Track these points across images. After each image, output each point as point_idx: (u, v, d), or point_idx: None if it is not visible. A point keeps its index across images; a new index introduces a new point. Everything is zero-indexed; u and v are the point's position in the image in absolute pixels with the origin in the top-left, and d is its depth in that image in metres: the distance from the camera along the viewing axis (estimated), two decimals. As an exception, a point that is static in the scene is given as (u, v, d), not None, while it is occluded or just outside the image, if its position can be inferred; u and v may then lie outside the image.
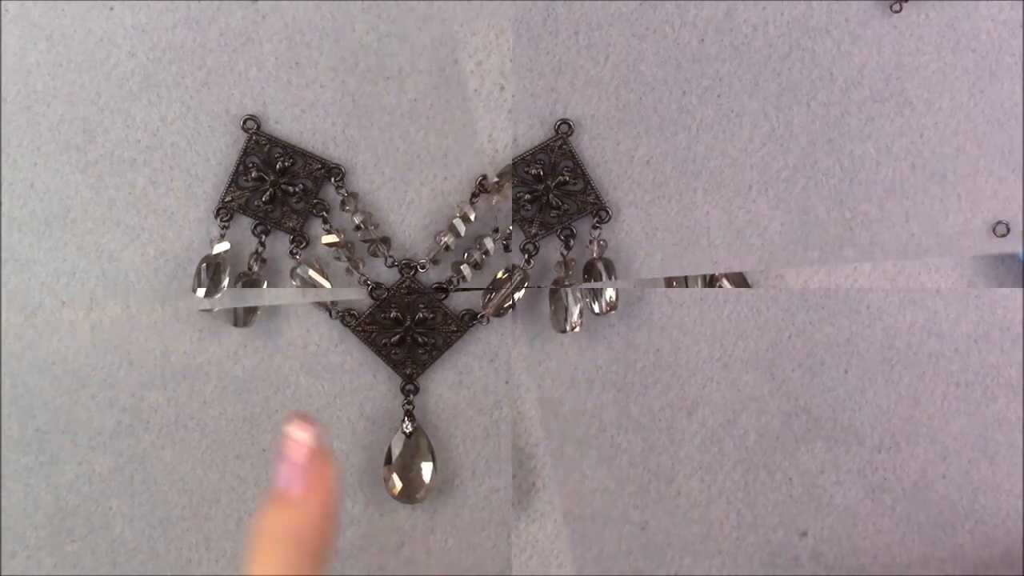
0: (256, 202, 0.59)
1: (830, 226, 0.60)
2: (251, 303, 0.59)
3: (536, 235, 0.60)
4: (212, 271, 0.58)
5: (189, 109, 0.59)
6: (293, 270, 0.59)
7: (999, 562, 0.63)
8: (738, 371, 0.61)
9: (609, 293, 0.59)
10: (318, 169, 0.59)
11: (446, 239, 0.59)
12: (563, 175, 0.59)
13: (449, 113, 0.59)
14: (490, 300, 0.59)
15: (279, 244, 0.60)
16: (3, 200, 0.59)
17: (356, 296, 0.60)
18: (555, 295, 0.59)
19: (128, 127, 0.59)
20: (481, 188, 0.59)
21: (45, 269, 0.60)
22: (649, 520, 0.62)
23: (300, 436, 0.42)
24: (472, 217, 0.59)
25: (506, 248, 0.59)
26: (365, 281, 0.60)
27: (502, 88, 0.59)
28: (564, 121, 0.59)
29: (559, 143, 0.59)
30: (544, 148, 0.59)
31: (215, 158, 0.59)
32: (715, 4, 0.59)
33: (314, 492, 0.42)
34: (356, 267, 0.59)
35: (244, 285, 0.59)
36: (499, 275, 0.59)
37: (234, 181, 0.59)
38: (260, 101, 0.59)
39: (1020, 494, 0.62)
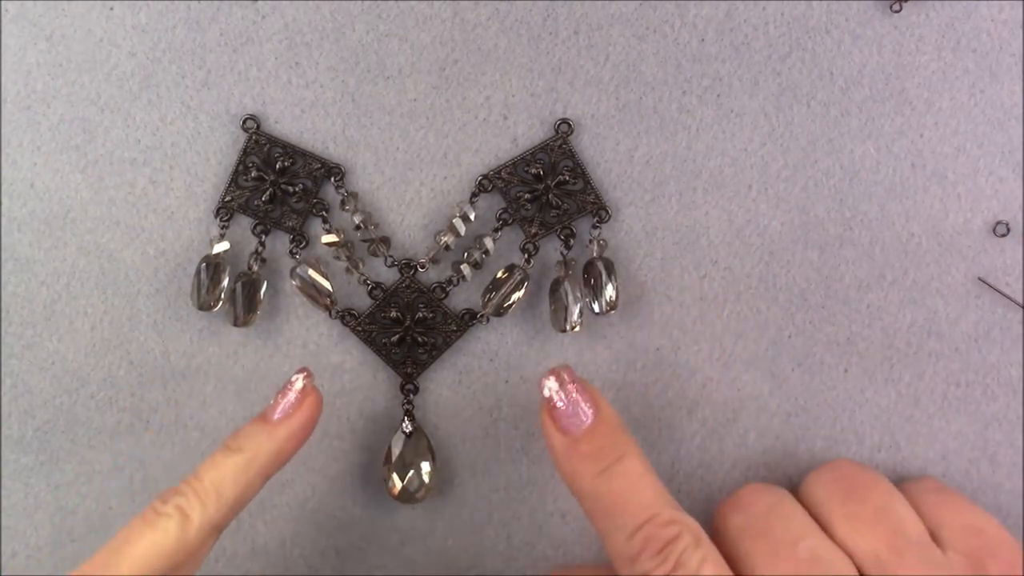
0: (256, 202, 0.59)
1: (830, 226, 0.60)
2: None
3: (536, 235, 0.60)
4: (212, 271, 0.58)
5: (189, 109, 0.59)
6: (293, 270, 0.59)
7: (999, 562, 0.63)
8: (738, 371, 0.61)
9: (609, 293, 0.59)
10: (318, 169, 0.59)
11: (446, 239, 0.59)
12: (563, 175, 0.59)
13: (449, 113, 0.59)
14: (490, 300, 0.59)
15: (279, 244, 0.60)
16: (3, 200, 0.59)
17: (356, 296, 0.60)
18: (555, 295, 0.59)
19: (128, 127, 0.59)
20: (481, 188, 0.59)
21: (45, 269, 0.60)
22: (649, 520, 0.62)
23: (296, 382, 0.53)
24: (472, 217, 0.59)
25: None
26: (365, 281, 0.60)
27: (502, 88, 0.59)
28: (564, 121, 0.59)
29: (559, 143, 0.59)
30: (544, 148, 0.59)
31: (215, 158, 0.59)
32: (715, 4, 0.59)
33: (287, 421, 0.52)
34: (356, 267, 0.59)
35: (244, 285, 0.59)
36: (499, 275, 0.59)
37: (234, 181, 0.59)
38: (260, 101, 0.59)
39: (1020, 494, 0.62)
